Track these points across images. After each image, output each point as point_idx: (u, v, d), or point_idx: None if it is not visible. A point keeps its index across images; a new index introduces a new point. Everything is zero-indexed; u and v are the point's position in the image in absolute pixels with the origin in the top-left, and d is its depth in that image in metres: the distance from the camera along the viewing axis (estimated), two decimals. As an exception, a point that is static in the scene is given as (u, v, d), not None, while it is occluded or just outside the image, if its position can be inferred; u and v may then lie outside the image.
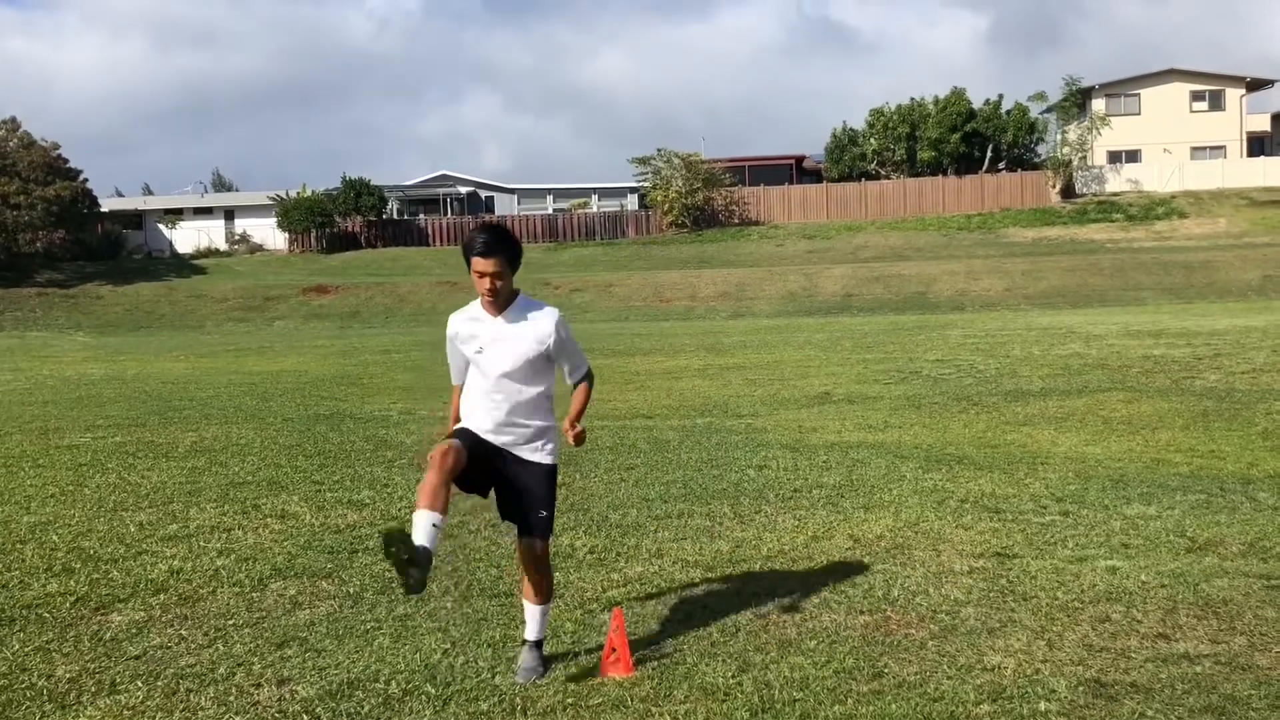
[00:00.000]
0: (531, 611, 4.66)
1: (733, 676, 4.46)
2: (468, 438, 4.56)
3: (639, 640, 4.86)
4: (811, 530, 6.83)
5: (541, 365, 4.64)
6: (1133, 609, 5.16)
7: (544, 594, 4.66)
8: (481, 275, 4.46)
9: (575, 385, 4.84)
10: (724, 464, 9.24)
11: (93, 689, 4.51)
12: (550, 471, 4.72)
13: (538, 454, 4.70)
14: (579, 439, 4.73)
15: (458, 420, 4.79)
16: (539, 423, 4.69)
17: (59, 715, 4.24)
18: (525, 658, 4.60)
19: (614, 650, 4.53)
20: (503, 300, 4.55)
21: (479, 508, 6.27)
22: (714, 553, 6.38)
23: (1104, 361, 17.12)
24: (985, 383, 15.22)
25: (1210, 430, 10.56)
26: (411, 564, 4.02)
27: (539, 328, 4.58)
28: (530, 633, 4.66)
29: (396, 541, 4.02)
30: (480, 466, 4.55)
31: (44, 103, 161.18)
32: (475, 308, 4.64)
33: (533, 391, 4.64)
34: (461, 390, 4.80)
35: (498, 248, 4.45)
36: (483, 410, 4.63)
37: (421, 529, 4.19)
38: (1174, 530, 6.61)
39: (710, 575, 5.95)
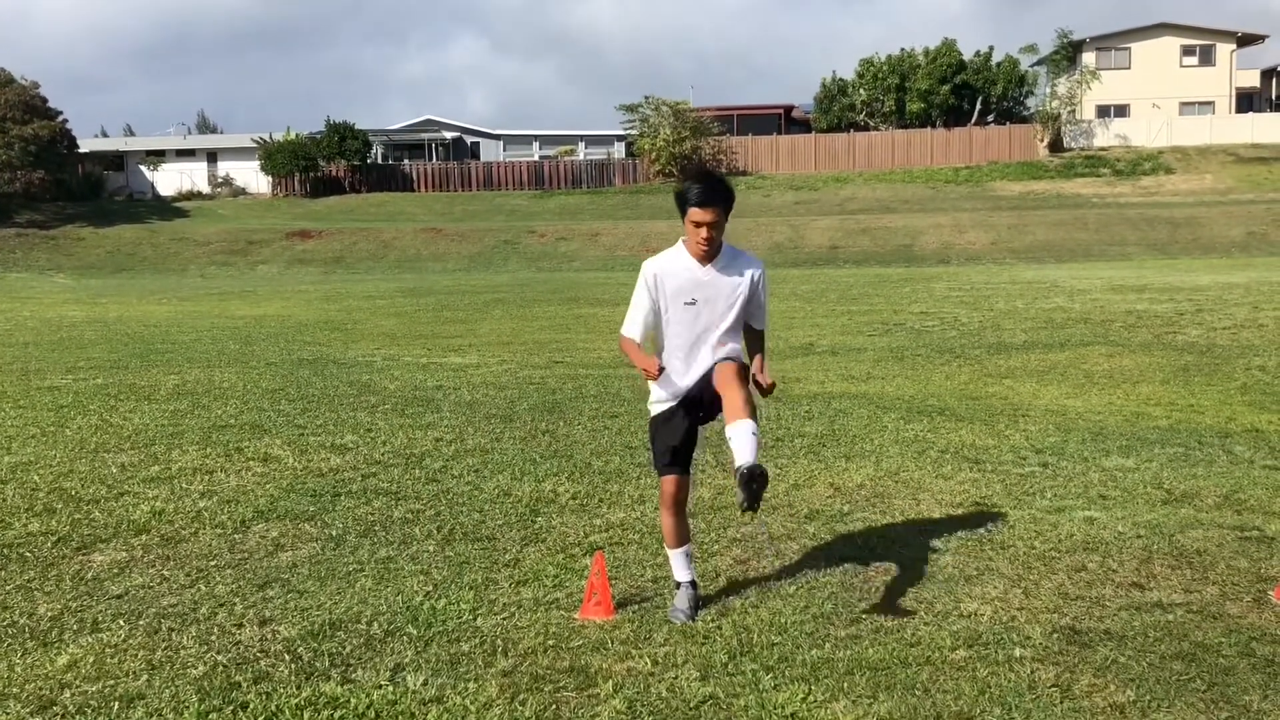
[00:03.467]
0: (738, 430, 4.17)
1: (712, 620, 4.50)
2: (679, 454, 4.57)
3: (620, 584, 4.90)
4: (793, 478, 6.87)
5: (744, 311, 4.60)
6: (1109, 559, 5.23)
7: (748, 408, 4.22)
8: (699, 225, 4.42)
9: (759, 331, 4.73)
10: (707, 412, 9.26)
11: (75, 627, 4.52)
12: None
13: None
14: (770, 388, 4.55)
15: (646, 368, 4.47)
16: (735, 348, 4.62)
17: (41, 653, 4.25)
18: (743, 479, 4.10)
19: (595, 593, 4.57)
20: (715, 250, 4.51)
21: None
22: (695, 499, 6.40)
23: (1087, 316, 17.19)
24: (968, 335, 15.27)
25: (1190, 385, 10.64)
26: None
27: (748, 274, 4.55)
28: (742, 455, 4.12)
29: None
30: (690, 444, 4.64)
31: (21, 39, 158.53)
32: (682, 256, 4.54)
33: (736, 337, 4.63)
34: (636, 342, 4.62)
35: (717, 197, 4.41)
36: (686, 364, 4.54)
37: (679, 564, 4.66)
38: (1151, 482, 6.68)
39: (691, 522, 5.95)
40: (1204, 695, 3.79)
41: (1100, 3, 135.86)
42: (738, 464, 4.15)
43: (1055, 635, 4.30)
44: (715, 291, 4.52)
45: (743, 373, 4.48)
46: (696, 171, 4.53)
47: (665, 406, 4.64)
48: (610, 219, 48.56)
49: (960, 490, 6.56)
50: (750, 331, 4.71)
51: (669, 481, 4.61)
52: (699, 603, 4.65)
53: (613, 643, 4.27)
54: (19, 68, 62.51)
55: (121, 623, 4.56)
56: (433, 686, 3.91)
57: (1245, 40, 59.91)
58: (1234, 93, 59.16)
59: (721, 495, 6.49)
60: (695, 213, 4.41)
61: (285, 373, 12.16)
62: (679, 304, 4.53)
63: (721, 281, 4.52)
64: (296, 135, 58.05)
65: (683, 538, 4.66)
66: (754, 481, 4.09)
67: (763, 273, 4.63)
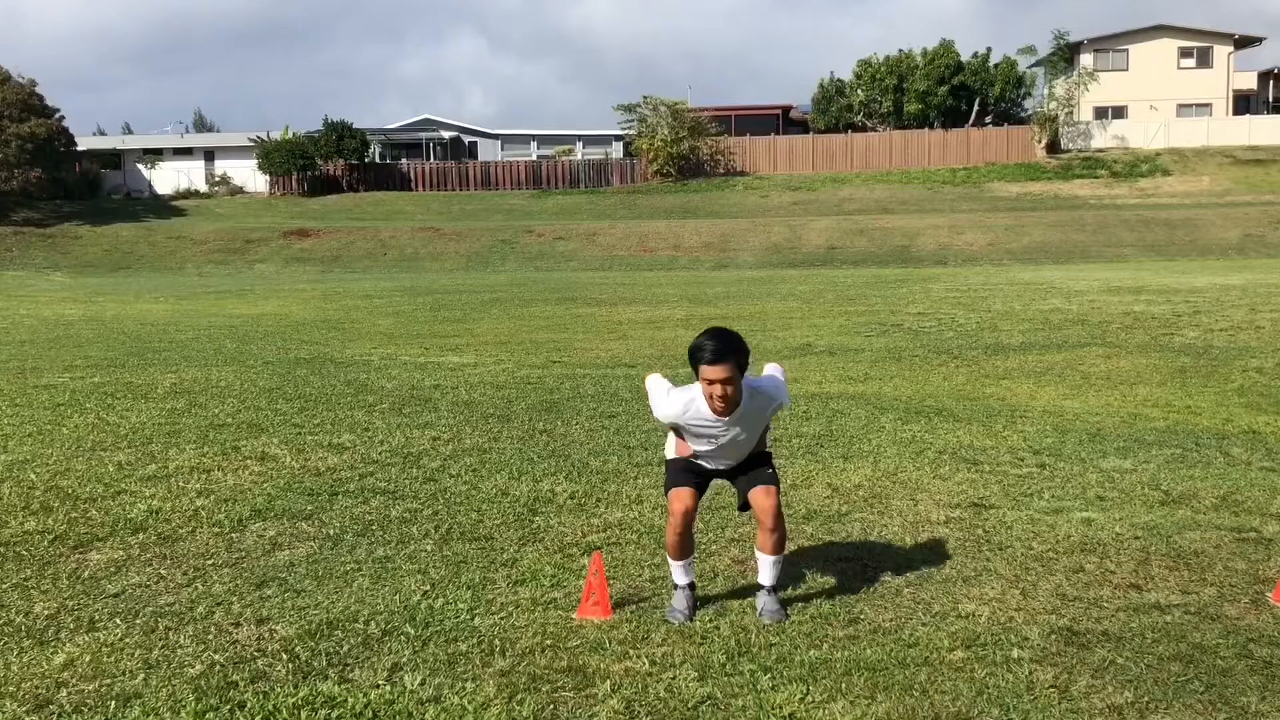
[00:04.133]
0: (765, 561, 4.63)
1: (710, 620, 4.50)
2: (693, 478, 4.68)
3: (617, 584, 4.89)
4: (790, 479, 6.86)
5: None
6: (1106, 560, 5.23)
7: (778, 546, 4.62)
8: (712, 383, 4.37)
9: None
10: (705, 413, 9.26)
11: (71, 625, 4.51)
12: (768, 454, 4.81)
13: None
14: None
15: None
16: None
17: (38, 651, 4.24)
18: (765, 601, 4.60)
19: (593, 593, 4.56)
20: (734, 405, 4.47)
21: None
22: (693, 500, 6.40)
23: (1084, 317, 17.21)
24: (966, 336, 15.28)
25: (1187, 386, 10.65)
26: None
27: (769, 410, 4.62)
28: (764, 579, 4.64)
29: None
30: (704, 486, 4.81)
31: (19, 37, 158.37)
32: (700, 406, 4.50)
33: (759, 445, 4.74)
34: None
35: (729, 354, 4.35)
36: (711, 465, 4.72)
37: (680, 571, 4.67)
38: (1149, 483, 6.68)
39: (689, 522, 5.97)
40: (1202, 697, 3.79)
41: (1098, 4, 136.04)
42: (763, 583, 4.66)
43: (1053, 636, 4.30)
44: (738, 433, 4.57)
45: (779, 510, 4.61)
46: (710, 330, 4.49)
47: (684, 460, 4.74)
48: (608, 219, 48.54)
49: (958, 491, 6.56)
50: None
51: (681, 495, 4.60)
52: (696, 604, 4.65)
53: (610, 643, 4.27)
54: (16, 66, 62.09)
55: (118, 621, 4.55)
56: (430, 686, 3.91)
57: (1243, 42, 59.98)
58: (1231, 95, 59.22)
59: (719, 495, 6.48)
60: (708, 370, 4.36)
61: (282, 371, 12.14)
62: (701, 441, 4.61)
63: (742, 425, 4.55)
64: (294, 134, 58.00)
65: (686, 552, 4.65)
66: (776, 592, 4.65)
67: (775, 406, 4.65)
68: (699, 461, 4.72)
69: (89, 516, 6.11)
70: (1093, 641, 4.25)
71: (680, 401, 4.59)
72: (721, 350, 4.35)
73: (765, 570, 4.63)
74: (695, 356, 4.40)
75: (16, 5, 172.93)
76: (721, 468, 4.74)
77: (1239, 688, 3.85)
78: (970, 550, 5.40)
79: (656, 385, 4.82)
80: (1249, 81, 61.74)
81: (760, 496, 4.60)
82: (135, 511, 6.19)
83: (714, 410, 4.46)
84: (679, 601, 4.60)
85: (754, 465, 4.72)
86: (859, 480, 6.84)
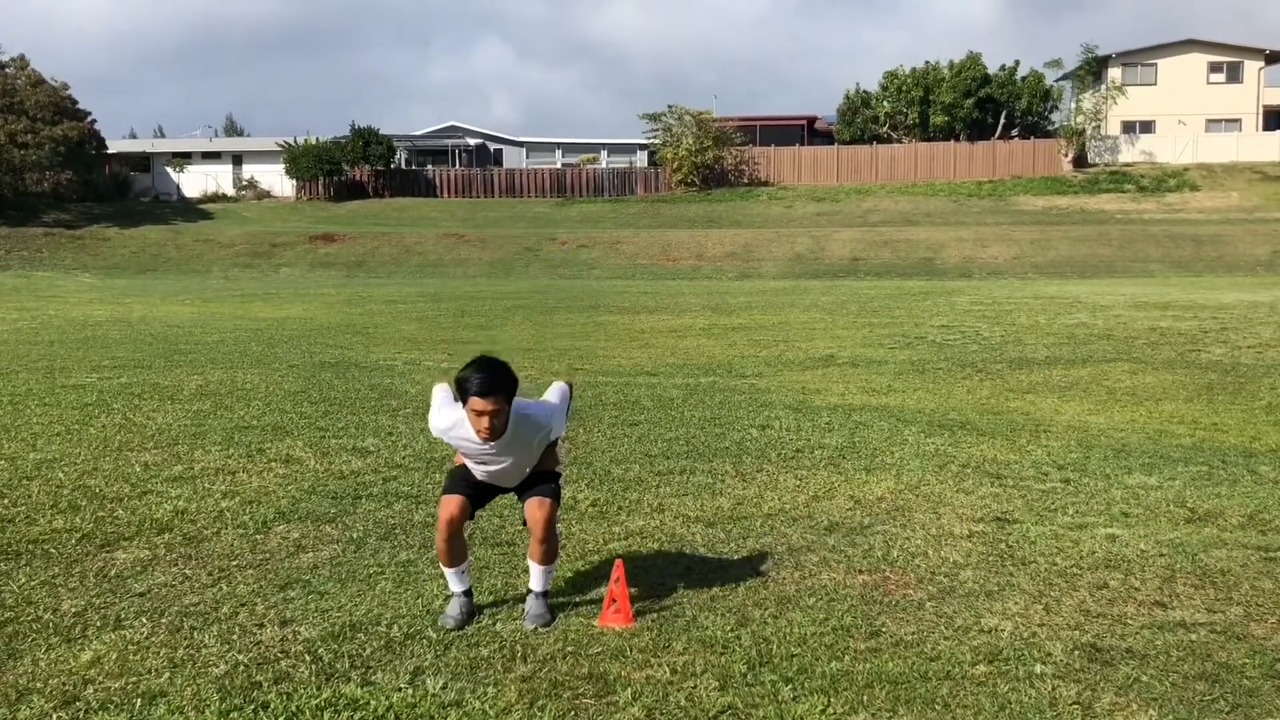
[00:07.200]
0: (536, 569, 4.69)
1: (731, 630, 4.49)
2: (465, 485, 4.70)
3: (639, 592, 4.89)
4: (812, 490, 6.85)
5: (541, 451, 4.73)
6: (1131, 576, 5.19)
7: (549, 558, 4.69)
8: (480, 414, 4.36)
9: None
10: (727, 423, 9.26)
11: (98, 623, 4.56)
12: (555, 474, 4.84)
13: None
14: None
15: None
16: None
17: (65, 648, 4.29)
18: (532, 604, 4.65)
19: (614, 601, 4.57)
20: (498, 432, 4.48)
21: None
22: (715, 509, 6.41)
23: (1110, 332, 17.10)
24: (990, 350, 15.22)
25: (1214, 403, 10.57)
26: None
27: (537, 438, 4.62)
28: (534, 585, 4.70)
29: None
30: (483, 497, 4.81)
31: (50, 40, 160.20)
32: (466, 426, 4.50)
33: (541, 464, 4.77)
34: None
35: (497, 387, 4.34)
36: (488, 480, 4.77)
37: (454, 578, 4.68)
38: (1174, 500, 6.63)
39: (711, 531, 5.99)
40: (1227, 717, 3.76)
41: (1127, 19, 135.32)
42: (532, 588, 4.72)
43: (1076, 652, 4.28)
44: (504, 461, 4.60)
45: (550, 523, 4.64)
46: (479, 361, 4.46)
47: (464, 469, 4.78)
48: (631, 227, 48.62)
49: (981, 505, 6.53)
50: None
51: (449, 503, 4.61)
52: (474, 612, 4.66)
53: (631, 650, 4.27)
54: (46, 67, 62.78)
55: (144, 620, 4.59)
56: (452, 690, 3.92)
57: (1274, 57, 59.50)
58: (1261, 110, 58.77)
59: (740, 505, 6.49)
60: (475, 402, 4.34)
61: (307, 375, 12.22)
62: (470, 460, 4.65)
63: (508, 455, 4.57)
64: (320, 140, 58.42)
65: (456, 559, 4.64)
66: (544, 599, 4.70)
67: (545, 434, 4.64)
68: (476, 473, 4.72)
69: (116, 516, 6.17)
70: (1117, 659, 4.22)
71: (449, 419, 4.60)
72: (489, 384, 4.33)
73: (535, 577, 4.69)
74: (463, 387, 4.37)
75: (52, 8, 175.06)
76: (500, 485, 4.75)
77: (1266, 708, 3.82)
78: (993, 565, 5.37)
79: (438, 395, 4.82)
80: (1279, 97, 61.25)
81: (532, 508, 4.64)
82: (161, 512, 6.24)
83: (480, 437, 4.48)
84: (452, 609, 4.61)
85: (536, 481, 4.73)
86: (881, 493, 6.82)
